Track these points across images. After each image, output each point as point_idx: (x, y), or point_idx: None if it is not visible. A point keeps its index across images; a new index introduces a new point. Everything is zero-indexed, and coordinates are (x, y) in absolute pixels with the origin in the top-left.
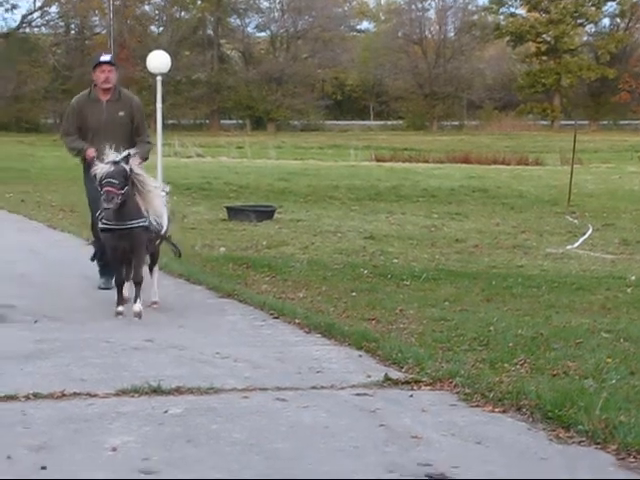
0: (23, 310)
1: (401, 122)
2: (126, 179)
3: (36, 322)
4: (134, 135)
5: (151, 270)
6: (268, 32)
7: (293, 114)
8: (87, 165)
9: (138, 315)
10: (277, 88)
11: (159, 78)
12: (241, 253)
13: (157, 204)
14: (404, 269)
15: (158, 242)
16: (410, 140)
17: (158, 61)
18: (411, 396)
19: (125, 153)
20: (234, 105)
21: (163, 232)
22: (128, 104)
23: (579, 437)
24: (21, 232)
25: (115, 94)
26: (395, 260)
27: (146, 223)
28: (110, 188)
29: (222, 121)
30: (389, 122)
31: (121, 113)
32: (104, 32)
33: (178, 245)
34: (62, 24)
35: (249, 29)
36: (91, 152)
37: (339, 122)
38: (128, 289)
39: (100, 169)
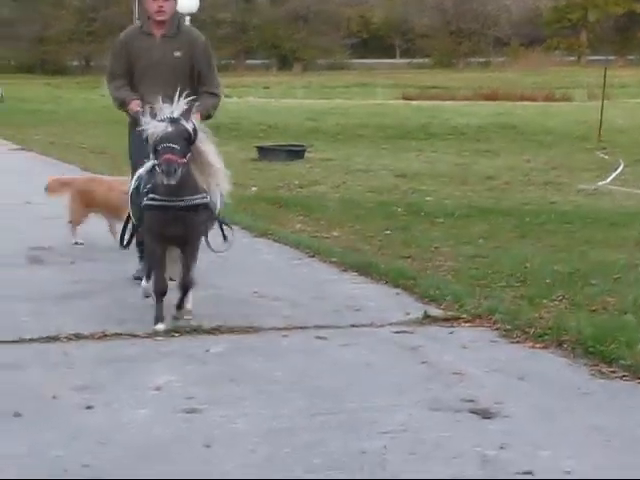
0: (58, 251)
1: (427, 60)
2: (189, 143)
3: (72, 263)
4: (196, 83)
5: None
6: None
7: (319, 53)
8: (133, 120)
9: (188, 313)
10: (303, 27)
11: (188, 17)
12: (273, 193)
13: (220, 180)
14: (437, 207)
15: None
16: (437, 78)
17: (187, 0)
18: (451, 333)
19: (184, 106)
20: (260, 45)
21: (217, 212)
22: (188, 42)
23: (622, 372)
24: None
25: (172, 28)
26: (428, 198)
27: (207, 200)
28: (170, 155)
29: (248, 61)
30: (415, 60)
31: (177, 53)
32: None
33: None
34: None
35: None
36: (135, 105)
37: (365, 61)
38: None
39: (153, 128)
